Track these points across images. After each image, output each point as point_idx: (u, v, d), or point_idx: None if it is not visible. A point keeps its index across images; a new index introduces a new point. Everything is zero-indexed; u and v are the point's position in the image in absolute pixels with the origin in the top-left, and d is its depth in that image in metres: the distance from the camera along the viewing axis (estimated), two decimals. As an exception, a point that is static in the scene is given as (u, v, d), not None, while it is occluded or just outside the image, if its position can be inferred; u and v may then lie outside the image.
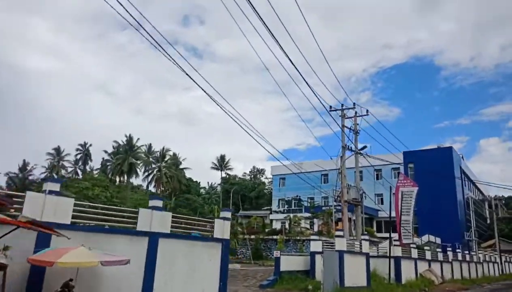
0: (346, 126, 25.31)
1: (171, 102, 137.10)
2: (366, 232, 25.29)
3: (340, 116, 25.41)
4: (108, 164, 70.70)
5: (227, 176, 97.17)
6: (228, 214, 13.79)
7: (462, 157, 63.35)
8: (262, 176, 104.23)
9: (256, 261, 35.06)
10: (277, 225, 59.70)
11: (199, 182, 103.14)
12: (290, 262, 21.27)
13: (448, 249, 34.66)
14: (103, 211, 11.32)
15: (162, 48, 10.49)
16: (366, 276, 20.67)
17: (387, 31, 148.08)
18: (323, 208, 58.62)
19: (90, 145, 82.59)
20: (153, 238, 11.06)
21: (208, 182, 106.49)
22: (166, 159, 70.94)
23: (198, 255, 12.41)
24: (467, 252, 38.91)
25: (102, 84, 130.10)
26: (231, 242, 30.37)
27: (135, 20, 9.58)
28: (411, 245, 27.33)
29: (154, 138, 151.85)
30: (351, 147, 25.29)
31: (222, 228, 13.28)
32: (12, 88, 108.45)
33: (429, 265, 28.75)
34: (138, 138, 69.68)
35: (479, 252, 43.18)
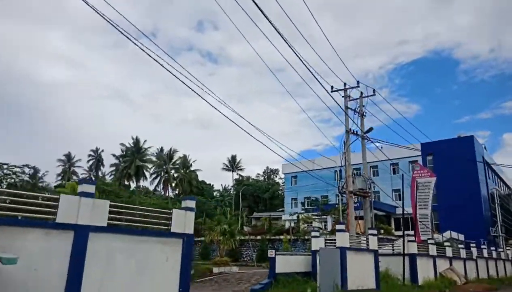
0: (350, 108, 22.51)
1: (187, 107, 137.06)
2: (375, 228, 22.30)
3: (342, 97, 22.64)
4: (116, 167, 69.10)
5: (240, 178, 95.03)
6: (191, 203, 11.19)
7: (485, 147, 59.49)
8: (276, 176, 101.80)
9: (260, 263, 32.40)
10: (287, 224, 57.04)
11: (213, 185, 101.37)
12: (288, 263, 18.52)
13: (472, 245, 31.34)
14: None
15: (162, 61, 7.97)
16: (375, 276, 17.81)
17: (403, 27, 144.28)
18: (336, 206, 55.57)
19: (102, 151, 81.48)
20: (81, 232, 8.59)
21: (221, 184, 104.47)
22: (174, 160, 68.84)
23: (149, 254, 9.88)
24: (493, 248, 35.44)
25: (119, 92, 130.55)
26: (227, 242, 27.98)
27: (135, 31, 7.11)
28: (429, 241, 24.28)
29: (170, 143, 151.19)
30: (356, 131, 22.45)
31: (183, 221, 10.73)
32: (29, 98, 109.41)
33: (451, 263, 25.64)
34: (145, 140, 67.89)
35: (507, 248, 39.51)
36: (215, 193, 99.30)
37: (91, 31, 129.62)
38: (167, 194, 67.44)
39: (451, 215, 48.67)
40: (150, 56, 10.51)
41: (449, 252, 25.99)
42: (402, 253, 21.28)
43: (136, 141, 66.65)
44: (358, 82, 22.47)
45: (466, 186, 49.99)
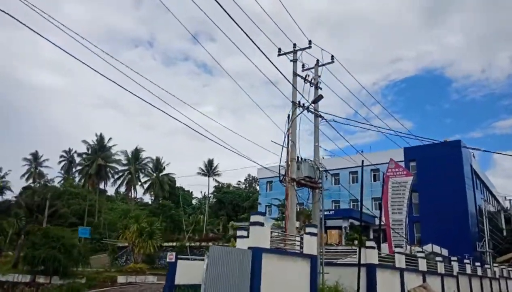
0: (299, 75, 17.66)
1: (180, 118, 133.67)
2: (311, 225, 17.21)
3: (291, 61, 17.80)
4: (75, 166, 63.77)
5: (220, 185, 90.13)
6: None
7: (473, 155, 54.96)
8: (258, 185, 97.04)
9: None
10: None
11: (192, 192, 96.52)
12: (194, 271, 13.45)
13: (453, 259, 26.45)
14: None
15: None
16: (310, 290, 12.83)
17: (396, 45, 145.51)
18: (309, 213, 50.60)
19: (75, 152, 76.09)
20: None
21: (201, 191, 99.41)
22: (140, 161, 63.33)
23: None
24: (478, 264, 30.59)
25: (111, 100, 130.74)
26: (143, 245, 22.83)
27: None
28: (396, 251, 19.33)
29: (161, 152, 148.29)
30: (308, 107, 17.56)
31: None
32: (21, 104, 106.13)
33: (424, 279, 20.66)
34: (110, 138, 62.52)
35: (495, 265, 34.69)
36: (194, 201, 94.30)
37: (86, 39, 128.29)
38: (129, 196, 62.10)
39: (434, 227, 43.83)
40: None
41: (422, 265, 21.04)
42: (357, 263, 16.36)
43: (100, 138, 61.30)
44: (310, 42, 17.58)
45: (452, 195, 45.27)
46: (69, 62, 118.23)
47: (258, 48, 11.06)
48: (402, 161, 50.71)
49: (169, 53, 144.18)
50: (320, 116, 18.11)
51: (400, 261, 18.72)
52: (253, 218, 11.42)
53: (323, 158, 61.40)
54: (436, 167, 47.06)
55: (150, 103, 10.80)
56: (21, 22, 7.45)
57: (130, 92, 9.52)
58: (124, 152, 60.47)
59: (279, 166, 16.24)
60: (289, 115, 16.88)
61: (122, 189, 69.22)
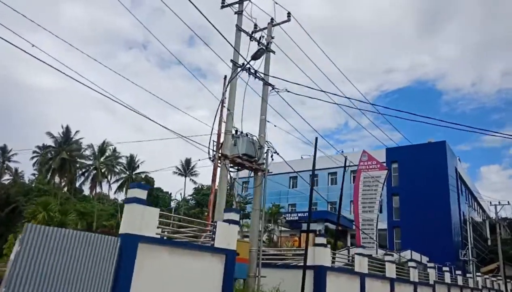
0: (242, 30, 14.34)
1: (172, 121, 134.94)
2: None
3: (236, 13, 14.47)
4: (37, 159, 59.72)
5: (200, 186, 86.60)
6: None
7: (459, 159, 52.13)
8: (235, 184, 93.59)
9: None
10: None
11: (171, 193, 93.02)
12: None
13: (429, 266, 23.25)
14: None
15: None
16: (222, 298, 9.46)
17: (389, 55, 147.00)
18: (283, 215, 47.30)
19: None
20: None
21: (180, 193, 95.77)
22: (108, 157, 59.35)
23: None
24: (459, 273, 27.47)
25: (104, 101, 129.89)
26: None
27: None
28: (356, 252, 15.99)
29: (152, 154, 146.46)
30: (246, 64, 14.24)
31: None
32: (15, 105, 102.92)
33: (392, 288, 17.40)
34: (78, 131, 58.57)
35: (477, 275, 31.59)
36: (173, 203, 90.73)
37: (81, 41, 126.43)
38: (94, 193, 58.16)
39: (415, 233, 40.72)
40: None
41: (391, 271, 17.76)
42: (302, 264, 13.04)
43: (66, 130, 57.35)
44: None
45: (435, 200, 42.20)
46: (69, 65, 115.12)
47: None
48: (383, 162, 47.76)
49: (163, 56, 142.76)
50: (267, 83, 14.82)
51: (361, 265, 15.40)
52: (132, 192, 8.05)
53: (301, 157, 58.23)
54: (419, 169, 44.09)
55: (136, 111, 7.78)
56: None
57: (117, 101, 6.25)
58: (90, 145, 56.73)
59: (210, 138, 12.89)
60: (225, 77, 13.54)
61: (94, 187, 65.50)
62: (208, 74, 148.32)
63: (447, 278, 24.61)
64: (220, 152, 12.67)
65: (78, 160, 57.90)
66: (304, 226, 46.45)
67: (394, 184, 46.26)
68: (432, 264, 23.05)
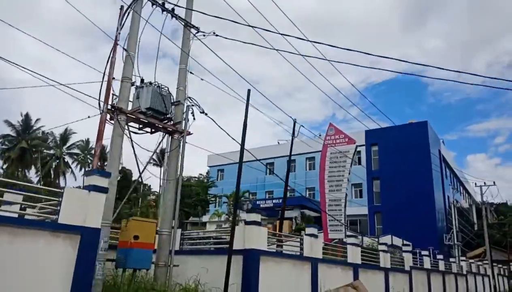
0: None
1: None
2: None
3: None
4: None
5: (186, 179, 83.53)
6: None
7: (443, 142, 49.72)
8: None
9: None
10: (211, 227, 45.56)
11: (150, 185, 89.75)
12: None
13: (404, 249, 20.53)
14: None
15: None
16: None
17: (377, 48, 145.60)
18: (257, 203, 44.54)
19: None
20: None
21: (160, 186, 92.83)
22: (71, 146, 55.74)
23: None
24: (441, 257, 24.87)
25: (83, 95, 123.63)
26: None
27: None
28: (306, 233, 13.08)
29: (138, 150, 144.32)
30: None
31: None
32: None
33: (356, 276, 14.58)
34: (39, 119, 54.91)
35: (462, 259, 29.06)
36: (151, 195, 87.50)
37: (63, 34, 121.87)
38: (57, 185, 54.57)
39: (397, 218, 38.17)
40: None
41: (354, 256, 14.92)
42: (228, 247, 10.12)
43: (26, 118, 53.62)
44: None
45: (417, 183, 39.66)
46: (53, 59, 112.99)
47: None
48: (363, 145, 45.09)
49: (146, 48, 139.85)
50: (188, 24, 11.79)
51: (313, 249, 12.53)
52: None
53: (278, 143, 55.33)
54: (400, 152, 41.51)
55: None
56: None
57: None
58: (50, 133, 53.07)
59: (101, 86, 9.81)
60: (121, 7, 10.44)
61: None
62: (194, 68, 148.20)
63: (427, 263, 21.96)
64: (111, 104, 9.61)
65: (42, 149, 54.24)
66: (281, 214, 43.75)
67: (375, 167, 43.70)
68: (408, 248, 20.33)
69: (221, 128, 12.08)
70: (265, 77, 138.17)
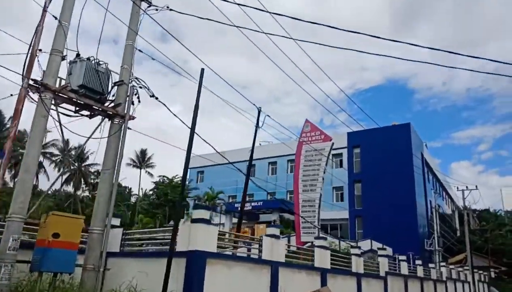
0: None
1: (146, 117, 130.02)
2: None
3: None
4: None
5: (161, 180, 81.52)
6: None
7: (426, 145, 49.05)
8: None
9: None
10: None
11: (131, 188, 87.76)
12: None
13: (380, 254, 19.42)
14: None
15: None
16: None
17: (363, 54, 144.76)
18: (235, 206, 43.13)
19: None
20: None
21: (141, 188, 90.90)
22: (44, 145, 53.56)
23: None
24: (419, 262, 23.86)
25: None
26: None
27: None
28: (268, 233, 11.84)
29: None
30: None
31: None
32: None
33: (324, 283, 13.37)
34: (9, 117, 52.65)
35: (442, 264, 28.13)
36: (133, 198, 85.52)
37: (46, 33, 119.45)
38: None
39: (378, 223, 37.16)
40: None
41: (323, 260, 13.72)
42: (169, 249, 8.82)
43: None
44: None
45: (399, 187, 38.71)
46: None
47: None
48: (345, 147, 44.21)
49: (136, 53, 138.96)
50: (135, -2, 10.52)
51: (273, 251, 11.29)
52: None
53: (259, 144, 54.40)
54: (383, 154, 40.57)
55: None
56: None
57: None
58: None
59: (26, 58, 8.45)
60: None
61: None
62: (182, 70, 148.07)
63: (404, 268, 20.90)
64: (33, 79, 8.27)
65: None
66: (262, 217, 42.39)
67: (356, 170, 42.73)
68: (384, 252, 19.21)
69: (174, 115, 10.81)
70: (256, 82, 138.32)
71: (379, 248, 20.08)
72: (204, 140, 10.92)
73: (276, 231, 11.78)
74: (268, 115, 16.85)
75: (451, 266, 30.36)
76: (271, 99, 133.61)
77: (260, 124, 16.67)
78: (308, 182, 21.25)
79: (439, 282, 25.10)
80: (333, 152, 44.87)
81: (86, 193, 66.89)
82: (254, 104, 16.99)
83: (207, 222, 9.32)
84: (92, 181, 64.54)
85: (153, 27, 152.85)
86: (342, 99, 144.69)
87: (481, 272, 36.35)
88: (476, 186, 34.75)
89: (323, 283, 13.38)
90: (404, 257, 21.70)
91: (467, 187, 34.39)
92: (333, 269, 14.37)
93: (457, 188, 36.45)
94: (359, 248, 17.47)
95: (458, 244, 46.28)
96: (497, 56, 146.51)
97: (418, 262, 24.09)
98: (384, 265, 18.61)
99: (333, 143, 22.55)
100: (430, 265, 26.16)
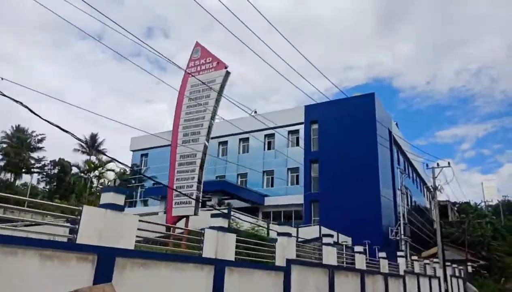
0: None
1: (131, 114, 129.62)
2: None
3: None
4: None
5: (121, 170, 74.46)
6: None
7: (397, 124, 44.30)
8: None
9: None
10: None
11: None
12: None
13: (325, 242, 13.85)
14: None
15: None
16: None
17: (349, 52, 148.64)
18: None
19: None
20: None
21: (105, 180, 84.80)
22: None
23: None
24: (384, 255, 18.61)
25: (58, 92, 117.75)
26: None
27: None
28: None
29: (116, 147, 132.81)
30: None
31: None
32: None
33: (219, 279, 7.73)
34: None
35: (400, 254, 22.73)
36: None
37: (31, 28, 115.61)
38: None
39: (338, 208, 31.88)
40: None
41: (210, 248, 8.05)
42: None
43: None
44: None
45: (362, 167, 33.57)
46: (19, 55, 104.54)
47: None
48: (302, 123, 38.86)
49: (119, 47, 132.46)
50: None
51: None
52: None
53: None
54: (343, 130, 35.38)
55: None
56: None
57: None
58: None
59: None
60: None
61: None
62: (168, 67, 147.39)
63: (360, 262, 15.55)
64: None
65: None
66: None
67: (314, 148, 37.43)
68: (329, 240, 13.69)
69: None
70: (241, 79, 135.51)
71: (324, 235, 14.50)
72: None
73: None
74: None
75: (414, 258, 25.48)
76: (257, 95, 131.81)
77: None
78: (191, 129, 15.16)
79: (394, 277, 19.62)
80: (289, 128, 39.60)
81: None
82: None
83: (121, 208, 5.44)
84: None
85: (139, 20, 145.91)
86: (328, 98, 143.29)
87: (455, 266, 31.70)
88: (449, 163, 30.02)
89: (217, 282, 7.71)
90: (360, 248, 16.35)
91: (438, 164, 29.54)
92: (238, 262, 8.73)
93: (427, 165, 31.63)
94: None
95: (434, 236, 41.71)
96: (479, 56, 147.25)
97: (382, 254, 18.89)
98: (332, 258, 13.17)
99: (228, 73, 15.89)
100: (380, 255, 20.38)
